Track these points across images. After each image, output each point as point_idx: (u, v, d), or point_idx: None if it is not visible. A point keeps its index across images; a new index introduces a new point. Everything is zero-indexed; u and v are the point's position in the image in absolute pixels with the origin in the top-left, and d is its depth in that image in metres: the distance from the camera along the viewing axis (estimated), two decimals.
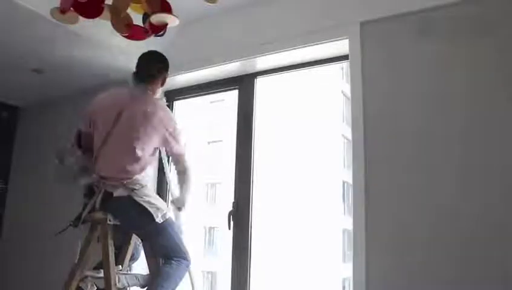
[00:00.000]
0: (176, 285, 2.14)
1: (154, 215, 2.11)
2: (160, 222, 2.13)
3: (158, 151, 2.28)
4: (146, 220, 2.12)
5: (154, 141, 2.17)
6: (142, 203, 2.11)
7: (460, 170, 1.98)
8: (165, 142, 2.21)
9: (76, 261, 2.12)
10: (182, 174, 2.36)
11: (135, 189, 2.11)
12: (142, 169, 2.17)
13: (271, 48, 2.61)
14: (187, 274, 2.25)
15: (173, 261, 2.15)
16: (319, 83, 9.18)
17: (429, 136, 2.07)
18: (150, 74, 2.25)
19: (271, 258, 8.13)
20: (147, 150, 2.16)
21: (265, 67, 2.83)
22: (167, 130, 2.18)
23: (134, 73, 2.25)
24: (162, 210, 2.16)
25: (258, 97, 2.87)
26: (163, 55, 2.31)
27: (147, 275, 2.27)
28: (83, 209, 2.16)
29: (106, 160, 2.16)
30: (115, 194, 2.09)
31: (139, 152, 2.12)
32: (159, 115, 2.17)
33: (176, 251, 2.18)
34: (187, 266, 2.22)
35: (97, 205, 2.11)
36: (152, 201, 2.15)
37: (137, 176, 2.14)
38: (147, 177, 2.23)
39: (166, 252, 2.18)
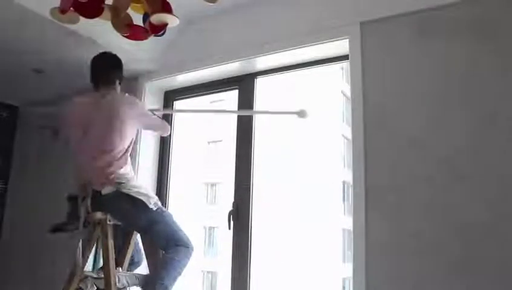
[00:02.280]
0: (178, 274, 2.13)
1: (147, 203, 2.14)
2: (154, 209, 2.16)
3: (133, 143, 2.33)
4: (140, 210, 2.14)
5: (129, 132, 2.25)
6: (132, 194, 2.13)
7: (461, 169, 1.98)
8: (139, 124, 2.39)
9: (77, 266, 2.11)
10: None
11: (122, 183, 2.14)
12: (124, 163, 2.21)
13: (271, 48, 2.61)
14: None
15: (173, 250, 2.15)
16: (319, 83, 9.18)
17: (430, 136, 2.07)
18: (109, 80, 2.35)
19: (271, 258, 8.13)
20: (125, 143, 2.22)
21: (265, 67, 2.83)
22: (134, 117, 2.28)
23: (92, 78, 2.36)
24: (153, 198, 2.20)
25: (258, 97, 2.87)
26: (116, 57, 2.41)
27: (147, 274, 2.27)
28: (70, 213, 2.17)
29: (87, 162, 2.19)
30: (103, 191, 2.10)
31: (116, 148, 2.18)
32: (123, 109, 2.23)
33: (176, 238, 2.19)
34: (190, 253, 2.20)
35: (89, 206, 2.10)
36: (142, 191, 2.18)
37: (121, 171, 2.17)
38: (131, 171, 2.27)
39: (166, 240, 2.18)
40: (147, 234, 2.27)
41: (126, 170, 2.22)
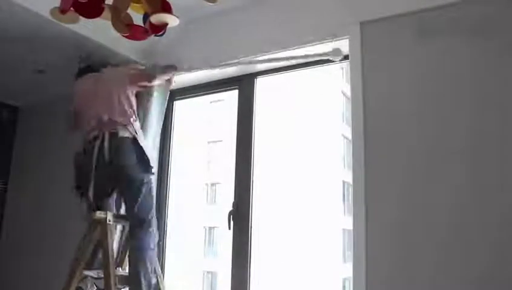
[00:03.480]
0: (150, 255, 2.16)
1: (151, 167, 2.17)
2: (151, 176, 2.25)
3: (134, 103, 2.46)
4: (143, 168, 2.21)
5: (129, 96, 2.40)
6: (144, 149, 2.22)
7: (461, 169, 1.98)
8: (135, 82, 2.51)
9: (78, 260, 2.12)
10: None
11: (137, 133, 2.24)
12: (133, 116, 2.36)
13: (271, 48, 2.61)
14: None
15: (142, 232, 2.19)
16: (319, 83, 9.17)
17: (430, 136, 2.07)
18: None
19: (271, 258, 8.13)
20: (128, 100, 2.39)
21: (265, 67, 2.83)
22: (122, 80, 2.46)
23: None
24: (153, 167, 2.28)
25: (258, 97, 2.87)
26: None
27: (129, 272, 2.25)
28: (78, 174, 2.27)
29: (99, 111, 2.32)
30: (120, 133, 2.18)
31: (124, 100, 2.35)
32: (116, 76, 2.49)
33: (149, 215, 2.24)
34: (153, 231, 2.24)
35: (106, 144, 2.17)
36: (148, 152, 2.27)
37: (135, 123, 2.31)
38: (139, 127, 2.39)
39: (144, 216, 2.22)
40: (129, 193, 2.27)
41: (137, 126, 2.35)
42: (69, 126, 2.59)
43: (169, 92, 2.96)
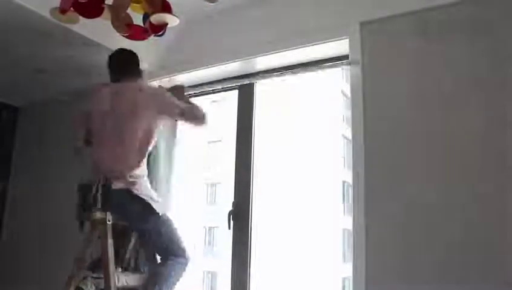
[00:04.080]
0: (174, 284, 2.15)
1: (155, 208, 2.13)
2: (160, 215, 2.15)
3: (154, 140, 2.25)
4: (146, 213, 2.13)
5: (151, 122, 2.17)
6: (142, 196, 2.11)
7: (461, 170, 1.98)
8: (160, 113, 2.21)
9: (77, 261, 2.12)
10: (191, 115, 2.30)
11: (133, 182, 2.10)
12: (142, 158, 2.17)
13: (271, 48, 2.61)
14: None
15: (171, 260, 2.16)
16: (319, 83, 9.17)
17: (430, 136, 2.07)
18: (133, 74, 2.33)
19: (271, 258, 8.12)
20: (146, 134, 2.16)
21: (265, 68, 2.83)
22: (154, 106, 2.19)
23: (115, 74, 2.32)
24: (160, 204, 2.20)
25: (257, 97, 2.87)
26: (135, 54, 2.36)
27: (146, 275, 2.27)
28: (83, 204, 2.14)
29: (105, 151, 2.16)
30: (113, 186, 2.06)
31: (136, 138, 2.13)
32: (143, 97, 2.19)
33: (175, 248, 2.20)
34: (186, 265, 2.22)
35: (98, 198, 2.07)
36: (152, 196, 2.16)
37: (137, 171, 2.13)
38: (144, 169, 2.22)
39: (166, 248, 2.19)
40: (147, 238, 2.26)
41: (142, 171, 2.18)
42: (75, 148, 2.36)
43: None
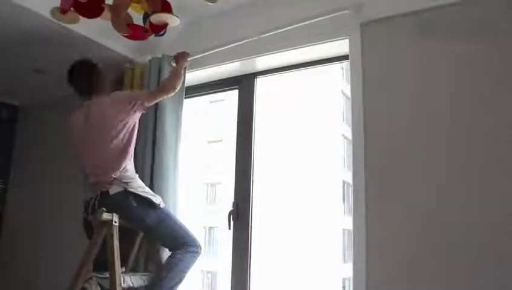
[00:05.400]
0: (184, 274, 2.16)
1: (154, 201, 2.18)
2: (160, 207, 2.21)
3: (134, 137, 2.30)
4: (147, 208, 2.18)
5: (125, 129, 2.24)
6: (139, 193, 2.18)
7: (462, 170, 1.98)
8: (131, 110, 2.26)
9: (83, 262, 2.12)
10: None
11: (128, 182, 2.18)
12: (128, 160, 2.23)
13: (271, 48, 2.61)
14: None
15: (180, 250, 2.18)
16: (319, 83, 9.18)
17: (430, 136, 2.07)
18: (98, 88, 2.38)
19: (271, 258, 8.13)
20: (124, 140, 2.23)
21: (265, 67, 2.83)
22: (122, 112, 2.24)
23: (79, 91, 2.40)
24: (158, 197, 2.24)
25: (258, 97, 2.87)
26: (89, 63, 2.41)
27: (152, 274, 2.27)
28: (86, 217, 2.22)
29: (92, 169, 2.23)
30: (111, 191, 2.14)
31: (116, 147, 2.20)
32: (109, 112, 2.24)
33: (183, 238, 2.23)
34: (197, 253, 2.23)
35: (96, 207, 2.13)
36: (146, 190, 2.23)
37: (127, 173, 2.21)
38: (133, 169, 2.30)
39: (173, 239, 2.21)
40: (153, 233, 2.29)
41: (130, 170, 2.26)
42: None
43: (184, 87, 2.78)
